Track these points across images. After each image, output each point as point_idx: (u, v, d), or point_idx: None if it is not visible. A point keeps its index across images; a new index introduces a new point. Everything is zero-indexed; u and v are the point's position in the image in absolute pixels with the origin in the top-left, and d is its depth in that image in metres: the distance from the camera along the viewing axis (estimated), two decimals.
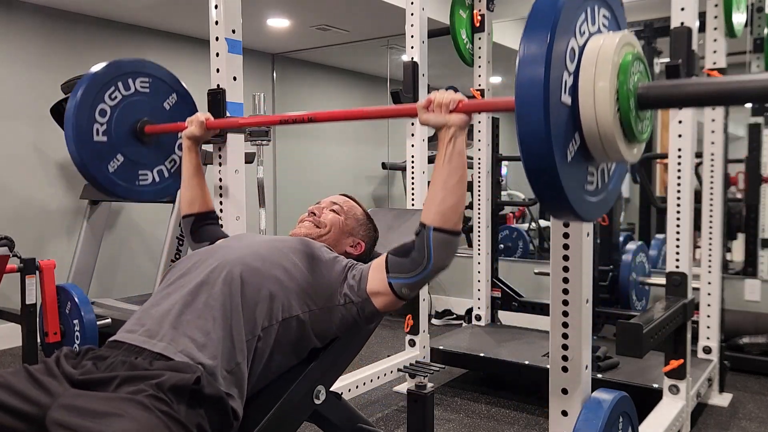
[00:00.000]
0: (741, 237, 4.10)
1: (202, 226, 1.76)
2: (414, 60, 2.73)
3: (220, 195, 2.05)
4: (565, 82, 1.02)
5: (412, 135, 2.77)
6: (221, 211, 2.07)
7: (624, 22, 1.24)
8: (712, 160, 2.91)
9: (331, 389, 1.52)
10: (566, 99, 1.02)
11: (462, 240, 5.70)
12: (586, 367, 1.54)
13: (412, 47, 2.75)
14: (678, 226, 2.39)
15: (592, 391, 1.50)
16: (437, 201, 1.30)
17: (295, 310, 1.35)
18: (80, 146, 1.85)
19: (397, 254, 1.36)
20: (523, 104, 0.98)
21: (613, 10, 1.19)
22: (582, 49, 1.06)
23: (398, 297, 1.36)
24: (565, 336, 1.52)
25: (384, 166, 5.61)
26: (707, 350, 2.83)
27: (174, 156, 2.10)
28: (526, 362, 2.79)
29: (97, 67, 1.92)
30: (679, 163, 2.37)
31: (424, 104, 1.34)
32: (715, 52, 2.85)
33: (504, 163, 4.38)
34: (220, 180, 2.06)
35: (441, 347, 3.03)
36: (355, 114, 1.63)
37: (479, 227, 3.44)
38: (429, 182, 1.38)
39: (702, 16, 2.50)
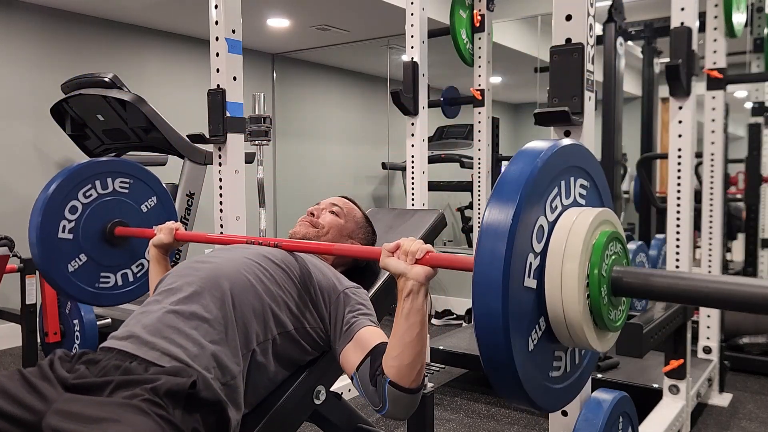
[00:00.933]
0: (741, 237, 4.11)
1: None
2: (414, 60, 2.73)
3: (220, 195, 2.05)
4: (530, 264, 0.91)
5: (412, 135, 2.77)
6: (221, 211, 2.07)
7: (608, 200, 1.12)
8: (712, 160, 2.91)
9: (331, 389, 1.52)
10: (530, 283, 0.91)
11: (462, 240, 5.71)
12: None
13: (412, 47, 2.75)
14: (678, 226, 2.39)
15: (592, 391, 1.50)
16: (393, 355, 1.19)
17: (289, 325, 1.34)
18: (42, 242, 1.77)
19: (370, 371, 1.24)
20: (481, 285, 0.86)
21: (594, 180, 1.08)
22: (552, 226, 0.95)
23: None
24: None
25: (384, 166, 5.61)
26: (707, 350, 2.83)
27: (143, 260, 2.00)
28: None
29: (76, 165, 1.86)
30: (679, 163, 2.37)
31: (391, 248, 1.22)
32: (715, 52, 2.85)
33: (504, 163, 4.38)
34: (220, 180, 2.06)
35: (441, 347, 3.03)
36: (318, 248, 1.46)
37: (479, 227, 3.43)
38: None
39: (702, 16, 2.51)
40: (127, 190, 1.95)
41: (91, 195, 1.87)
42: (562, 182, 0.99)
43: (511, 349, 0.86)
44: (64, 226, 1.81)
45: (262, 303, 1.31)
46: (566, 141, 1.01)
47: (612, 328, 1.00)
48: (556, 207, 0.97)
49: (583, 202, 1.05)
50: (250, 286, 1.31)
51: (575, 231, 0.94)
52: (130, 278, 1.97)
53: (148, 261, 1.96)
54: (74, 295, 1.87)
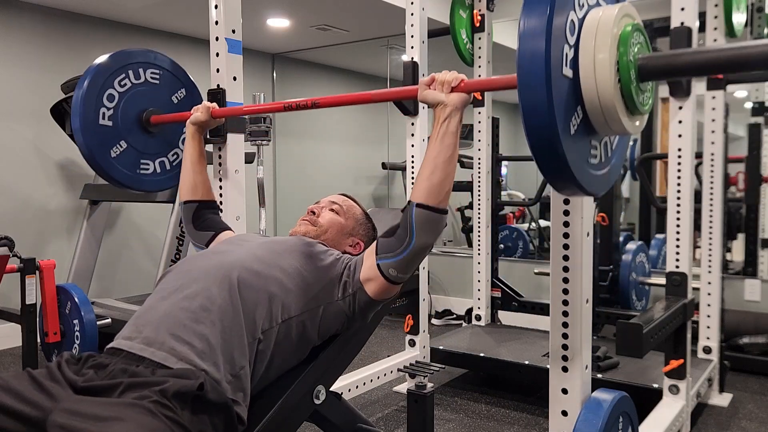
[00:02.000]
0: (741, 237, 4.11)
1: (206, 215, 1.75)
2: (414, 60, 2.73)
3: (221, 195, 2.05)
4: (566, 55, 1.02)
5: (412, 135, 2.77)
6: (221, 211, 2.07)
7: None
8: (712, 160, 2.91)
9: (331, 389, 1.52)
10: (567, 72, 1.02)
11: (462, 240, 5.71)
12: (586, 367, 1.54)
13: (412, 47, 2.75)
14: (678, 226, 2.39)
15: (592, 391, 1.50)
16: (424, 176, 1.31)
17: (294, 310, 1.35)
18: (85, 128, 1.87)
19: (386, 235, 1.36)
20: (525, 78, 0.97)
21: None
22: (582, 21, 1.06)
23: (388, 280, 1.35)
24: (565, 336, 1.52)
25: (384, 166, 5.61)
26: (707, 350, 2.83)
27: (177, 150, 2.11)
28: (526, 362, 2.79)
29: (106, 55, 1.96)
30: (679, 163, 2.37)
31: (427, 81, 1.33)
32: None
33: (504, 163, 4.39)
34: (220, 180, 2.06)
35: (441, 347, 3.03)
36: (358, 98, 1.64)
37: (479, 227, 3.44)
38: None
39: (702, 16, 2.51)
40: (158, 81, 2.06)
41: (126, 84, 1.98)
42: None
43: (558, 131, 0.98)
44: (104, 113, 1.92)
45: (268, 291, 1.32)
46: None
47: (642, 111, 1.12)
48: (584, 4, 1.08)
49: (603, 3, 1.15)
50: (255, 274, 1.33)
51: (603, 24, 1.05)
52: (167, 166, 2.10)
53: (182, 151, 2.05)
54: (119, 179, 1.97)
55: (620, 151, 1.27)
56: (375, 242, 1.38)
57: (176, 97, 2.10)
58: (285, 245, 1.44)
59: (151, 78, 2.04)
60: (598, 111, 1.06)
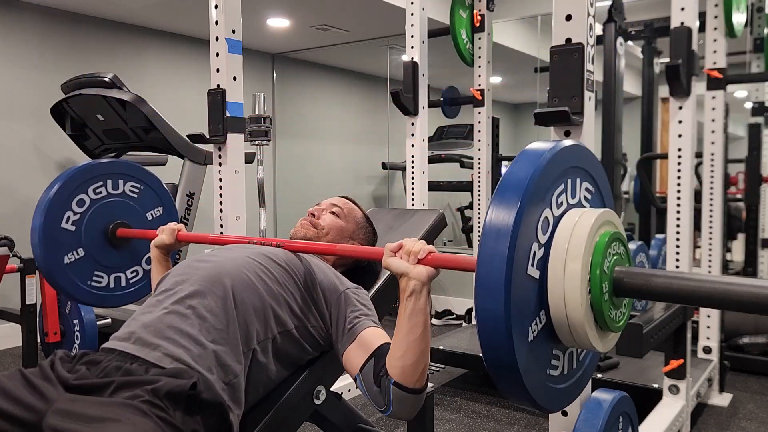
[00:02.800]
0: (741, 237, 4.10)
1: None
2: (414, 60, 2.73)
3: (220, 195, 2.05)
4: (534, 253, 0.92)
5: (412, 135, 2.77)
6: (221, 211, 2.07)
7: (610, 201, 1.13)
8: (712, 160, 2.91)
9: (331, 389, 1.52)
10: (533, 272, 0.93)
11: (462, 240, 5.71)
12: None
13: (412, 47, 2.75)
14: (678, 226, 2.39)
15: (592, 391, 1.50)
16: (397, 355, 1.19)
17: (290, 324, 1.34)
18: (44, 227, 1.79)
19: (374, 372, 1.23)
20: (484, 274, 0.87)
21: (598, 186, 1.10)
22: (557, 221, 0.97)
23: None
24: None
25: (384, 166, 5.61)
26: (707, 350, 2.83)
27: (138, 267, 2.01)
28: None
29: (94, 161, 1.92)
30: (679, 163, 2.37)
31: (394, 248, 1.22)
32: (715, 52, 2.85)
33: (504, 163, 4.38)
34: (220, 180, 2.06)
35: (441, 347, 3.03)
36: (322, 249, 1.47)
37: (479, 227, 3.44)
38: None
39: (702, 16, 2.51)
40: (136, 195, 1.99)
41: (100, 192, 1.91)
42: (568, 180, 1.01)
43: (512, 337, 0.87)
44: (68, 217, 1.84)
45: (263, 301, 1.31)
46: (568, 142, 1.02)
47: (613, 328, 1.01)
48: (562, 203, 0.99)
49: (587, 204, 1.06)
50: (251, 284, 1.31)
51: (578, 231, 0.95)
52: (122, 282, 1.98)
53: (144, 268, 2.00)
54: (63, 287, 1.87)
55: (590, 363, 1.13)
56: (368, 356, 1.25)
57: (152, 214, 2.03)
58: (284, 257, 1.42)
59: (130, 191, 1.97)
60: (564, 323, 0.95)
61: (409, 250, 1.20)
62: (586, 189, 1.06)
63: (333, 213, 1.63)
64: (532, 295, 0.93)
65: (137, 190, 1.99)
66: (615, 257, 1.00)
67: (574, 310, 0.94)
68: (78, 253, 1.87)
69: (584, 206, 1.05)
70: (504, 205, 0.90)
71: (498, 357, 0.89)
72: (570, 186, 1.02)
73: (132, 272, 2.00)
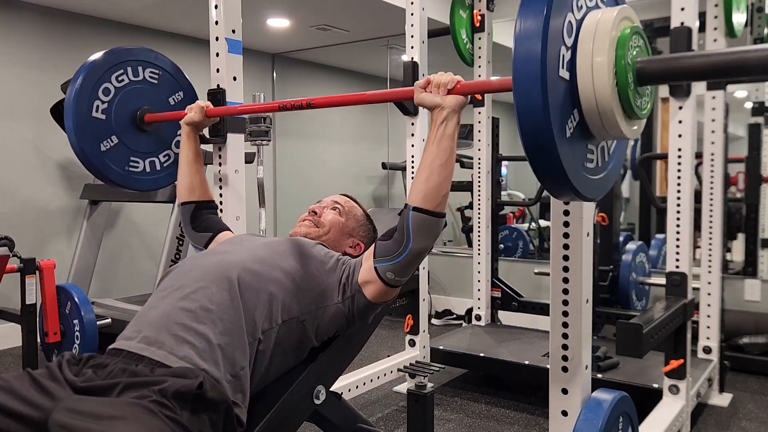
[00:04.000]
0: (741, 237, 4.10)
1: (204, 216, 1.74)
2: (414, 60, 2.73)
3: (221, 195, 2.05)
4: (563, 56, 1.00)
5: (412, 135, 2.77)
6: (221, 211, 2.07)
7: (623, 1, 1.23)
8: (712, 160, 2.91)
9: (331, 389, 1.52)
10: (564, 74, 1.01)
11: (462, 240, 5.71)
12: (586, 367, 1.54)
13: (412, 47, 2.75)
14: (678, 226, 2.39)
15: (592, 391, 1.50)
16: (421, 180, 1.29)
17: (294, 311, 1.35)
18: (77, 117, 1.85)
19: (383, 238, 1.35)
20: (521, 79, 0.96)
21: None
22: (580, 23, 1.05)
23: (385, 283, 1.34)
24: (565, 336, 1.52)
25: (384, 166, 5.61)
26: (707, 350, 2.83)
27: (169, 151, 2.10)
28: (526, 362, 2.79)
29: (110, 49, 1.97)
30: (679, 163, 2.37)
31: (422, 84, 1.32)
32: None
33: (504, 163, 4.38)
34: (221, 180, 2.06)
35: (441, 347, 3.03)
36: (353, 98, 1.61)
37: (479, 227, 3.44)
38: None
39: (702, 16, 2.51)
40: (156, 81, 2.05)
41: (123, 80, 1.97)
42: None
43: (553, 133, 0.96)
44: (97, 106, 1.90)
45: (268, 291, 1.32)
46: None
47: (640, 115, 1.11)
48: (582, 6, 1.07)
49: (602, 6, 1.14)
50: (255, 274, 1.33)
51: (601, 26, 1.04)
52: (157, 166, 2.07)
53: (174, 152, 2.08)
54: (106, 174, 1.94)
55: (618, 156, 1.25)
56: (373, 245, 1.37)
57: (173, 99, 2.08)
58: (285, 246, 1.43)
59: (150, 77, 2.03)
60: (596, 115, 1.04)
61: (438, 82, 1.29)
62: None
63: (334, 210, 1.64)
64: (566, 95, 1.02)
65: (157, 76, 2.05)
66: (636, 49, 1.08)
67: (603, 101, 1.03)
68: (112, 141, 1.94)
69: (600, 7, 1.13)
70: (531, 11, 0.97)
71: (543, 153, 0.99)
72: None
73: (164, 156, 2.09)
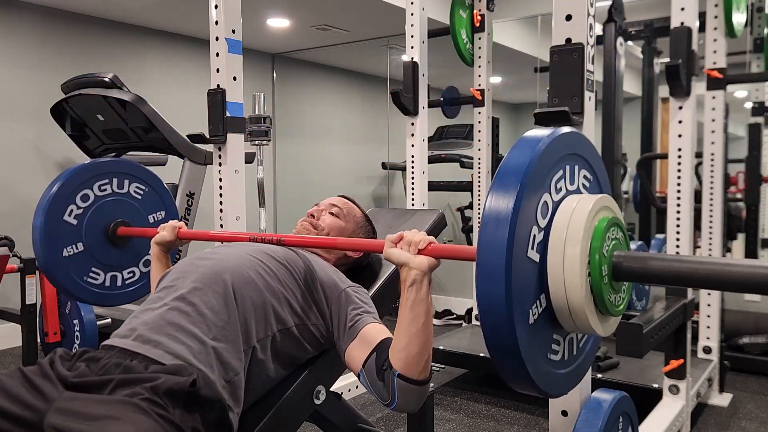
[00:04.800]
0: (741, 237, 4.10)
1: None
2: (414, 60, 2.73)
3: (220, 195, 2.05)
4: (534, 236, 0.93)
5: (412, 135, 2.77)
6: (221, 211, 2.07)
7: (607, 188, 1.15)
8: (712, 160, 2.91)
9: (331, 389, 1.52)
10: (533, 255, 0.94)
11: (462, 240, 5.71)
12: None
13: (412, 47, 2.75)
14: (678, 226, 2.39)
15: (592, 391, 1.50)
16: (400, 346, 1.19)
17: (289, 322, 1.34)
18: (47, 216, 1.80)
19: (377, 366, 1.23)
20: (484, 247, 0.89)
21: (596, 174, 1.12)
22: (556, 206, 0.98)
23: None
24: None
25: (384, 166, 5.61)
26: (707, 350, 2.83)
27: (135, 269, 2.02)
28: None
29: (104, 159, 1.96)
30: (679, 163, 2.37)
31: (394, 239, 1.23)
32: (715, 52, 2.85)
33: None
34: (220, 180, 2.06)
35: (441, 347, 3.03)
36: (323, 243, 1.51)
37: (479, 226, 3.43)
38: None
39: (702, 16, 2.51)
40: (140, 197, 2.00)
41: (105, 190, 1.93)
42: (567, 167, 1.02)
43: (513, 320, 0.88)
44: (71, 210, 1.86)
45: (264, 299, 1.31)
46: (566, 129, 1.04)
47: (614, 312, 1.02)
48: (561, 189, 1.00)
49: (585, 192, 1.08)
50: (251, 282, 1.31)
51: (576, 216, 0.97)
52: (118, 282, 1.99)
53: (141, 270, 2.01)
54: (60, 280, 1.87)
55: (589, 350, 1.13)
56: (370, 351, 1.26)
57: (154, 217, 2.04)
58: (284, 255, 1.42)
59: (134, 192, 1.99)
60: (564, 307, 0.96)
61: (410, 240, 1.20)
62: (585, 177, 1.08)
63: (332, 213, 1.63)
64: (532, 278, 0.94)
65: (141, 192, 2.01)
66: (614, 242, 1.01)
67: (574, 294, 0.95)
68: (77, 248, 1.88)
69: (582, 193, 1.06)
70: (503, 190, 0.91)
71: (500, 340, 0.90)
72: (569, 172, 1.03)
73: (129, 273, 2.01)
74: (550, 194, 0.97)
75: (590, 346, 1.13)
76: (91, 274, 1.92)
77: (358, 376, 1.27)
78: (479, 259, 0.90)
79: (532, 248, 0.93)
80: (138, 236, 1.94)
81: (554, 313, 0.98)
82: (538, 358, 0.96)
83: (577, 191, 1.05)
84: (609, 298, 1.00)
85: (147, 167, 2.05)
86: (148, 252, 1.96)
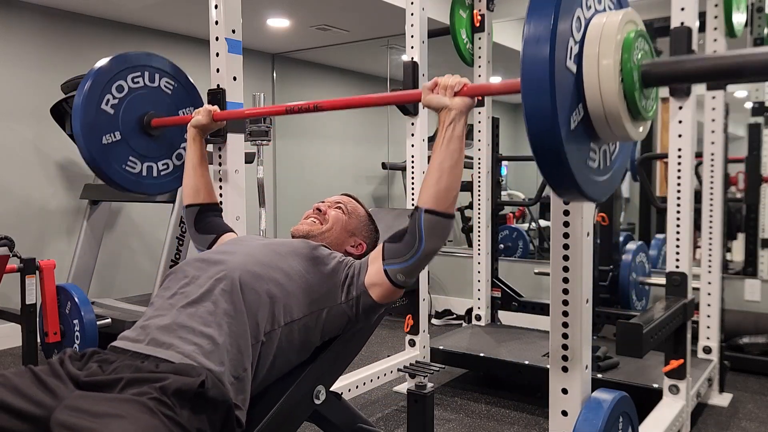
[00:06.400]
0: (741, 237, 4.10)
1: (208, 218, 1.76)
2: (414, 60, 2.73)
3: (221, 195, 2.05)
4: (571, 48, 1.02)
5: (412, 135, 2.77)
6: (221, 211, 2.07)
7: (627, 5, 1.24)
8: (712, 160, 2.91)
9: (331, 389, 1.52)
10: (571, 65, 1.02)
11: (462, 240, 5.71)
12: (586, 367, 1.54)
13: (412, 47, 2.75)
14: (678, 226, 2.39)
15: (592, 391, 1.50)
16: (431, 182, 1.30)
17: (297, 313, 1.35)
18: (86, 105, 1.87)
19: (392, 240, 1.36)
20: (529, 62, 0.97)
21: None
22: (588, 21, 1.07)
23: (394, 284, 1.35)
24: (565, 336, 1.52)
25: (384, 166, 5.61)
26: (707, 350, 2.83)
27: (169, 161, 2.10)
28: (526, 362, 2.79)
29: (133, 52, 2.02)
30: (679, 163, 2.37)
31: (430, 86, 1.33)
32: (715, 52, 2.85)
33: (504, 163, 4.39)
34: (221, 180, 2.06)
35: (441, 347, 3.03)
36: (359, 101, 1.63)
37: (479, 227, 3.44)
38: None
39: (702, 16, 2.51)
40: (170, 92, 2.08)
41: (138, 82, 2.00)
42: None
43: (557, 118, 0.97)
44: (107, 100, 1.92)
45: (270, 292, 1.33)
46: None
47: (645, 116, 1.12)
48: (591, 6, 1.09)
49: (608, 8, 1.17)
50: (257, 276, 1.33)
51: (607, 29, 1.05)
52: (154, 172, 2.07)
53: (174, 163, 2.10)
54: (101, 167, 1.93)
55: (621, 161, 1.25)
56: (381, 247, 1.38)
57: (183, 112, 2.09)
58: (288, 247, 1.44)
59: (165, 86, 2.06)
60: (601, 115, 1.05)
61: (446, 84, 1.30)
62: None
63: (338, 209, 1.65)
64: (572, 87, 1.02)
65: (171, 87, 2.08)
66: (641, 52, 1.10)
67: (610, 102, 1.04)
68: (115, 136, 1.95)
69: (607, 10, 1.14)
70: (539, 14, 0.99)
71: (546, 143, 0.99)
72: None
73: (163, 164, 2.09)
74: (582, 10, 1.06)
75: (620, 162, 1.24)
76: (129, 163, 2.00)
77: (385, 272, 1.34)
78: (524, 75, 0.98)
79: (570, 59, 1.02)
80: (172, 125, 2.02)
81: (591, 122, 1.07)
82: (579, 162, 1.06)
83: (604, 9, 1.14)
84: (641, 104, 1.09)
85: (172, 63, 2.12)
86: (181, 145, 2.09)
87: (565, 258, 1.51)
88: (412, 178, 2.80)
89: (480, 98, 3.36)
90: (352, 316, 1.41)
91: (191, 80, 2.14)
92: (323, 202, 1.68)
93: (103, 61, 1.93)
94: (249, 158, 2.19)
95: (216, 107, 1.85)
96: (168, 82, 2.06)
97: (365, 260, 1.42)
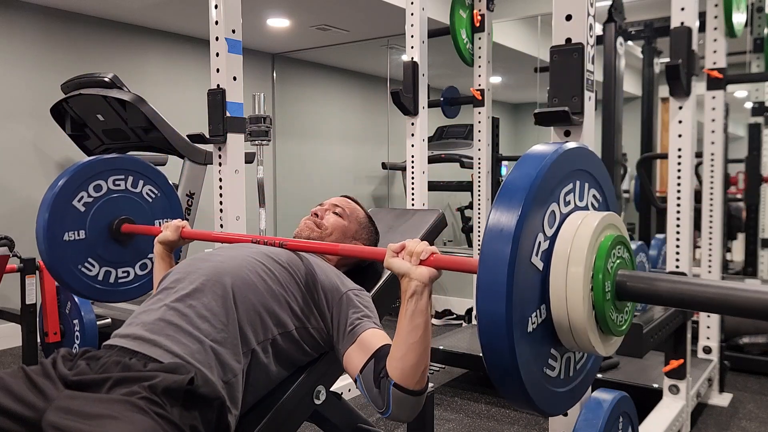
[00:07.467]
0: (741, 237, 4.11)
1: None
2: (414, 60, 2.73)
3: (220, 195, 2.05)
4: (539, 243, 0.92)
5: (412, 135, 2.77)
6: (221, 211, 2.07)
7: (614, 205, 1.13)
8: (712, 160, 2.91)
9: (331, 389, 1.52)
10: (537, 262, 0.92)
11: (462, 240, 5.71)
12: None
13: (412, 47, 2.75)
14: (678, 226, 2.39)
15: (592, 391, 1.50)
16: (398, 356, 1.18)
17: (289, 325, 1.34)
18: (57, 198, 1.81)
19: (374, 373, 1.22)
20: (486, 252, 0.87)
21: (604, 191, 1.10)
22: (564, 217, 0.97)
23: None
24: None
25: (384, 166, 5.61)
26: (707, 350, 2.83)
27: (131, 269, 2.00)
28: None
29: (128, 155, 1.99)
30: (679, 163, 2.37)
31: (396, 248, 1.22)
32: (715, 52, 2.85)
33: (504, 163, 4.39)
34: (220, 180, 2.06)
35: (441, 347, 3.03)
36: (325, 248, 1.48)
37: (479, 227, 3.44)
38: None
39: (702, 16, 2.51)
40: (151, 200, 2.02)
41: (119, 185, 1.94)
42: (577, 182, 1.01)
43: (512, 323, 0.85)
44: (82, 197, 1.87)
45: (264, 302, 1.31)
46: (571, 144, 1.01)
47: (616, 332, 1.00)
48: (570, 202, 0.99)
49: (591, 208, 1.06)
50: (252, 284, 1.31)
51: (580, 234, 0.94)
52: (111, 278, 1.96)
53: (136, 273, 2.00)
54: (53, 263, 1.84)
55: (589, 371, 1.10)
56: (368, 358, 1.25)
57: (160, 222, 2.03)
58: (285, 257, 1.42)
59: (147, 194, 2.00)
60: (565, 323, 0.94)
61: (412, 250, 1.19)
62: (594, 197, 1.07)
63: (336, 213, 1.63)
64: (535, 285, 0.92)
65: (153, 195, 2.02)
66: (618, 260, 0.99)
67: (575, 311, 0.92)
68: (78, 234, 1.87)
69: (588, 209, 1.05)
70: (506, 207, 0.89)
71: (494, 343, 0.88)
72: (578, 188, 1.02)
73: (123, 272, 1.99)
74: (559, 205, 0.96)
75: (589, 368, 1.10)
76: (86, 264, 1.90)
77: (355, 381, 1.27)
78: (480, 273, 0.88)
79: (536, 255, 0.92)
80: (140, 233, 1.94)
81: (554, 327, 0.95)
82: (533, 369, 0.93)
83: (586, 208, 1.04)
84: (611, 317, 0.98)
85: (162, 174, 2.06)
86: (148, 255, 1.98)
87: None
88: (412, 178, 2.80)
89: (478, 96, 3.36)
90: (330, 345, 1.39)
91: (176, 192, 2.10)
92: (321, 205, 1.66)
93: (84, 161, 1.88)
94: (249, 158, 2.18)
95: (186, 223, 1.71)
96: (151, 190, 2.01)
97: (360, 329, 1.32)
